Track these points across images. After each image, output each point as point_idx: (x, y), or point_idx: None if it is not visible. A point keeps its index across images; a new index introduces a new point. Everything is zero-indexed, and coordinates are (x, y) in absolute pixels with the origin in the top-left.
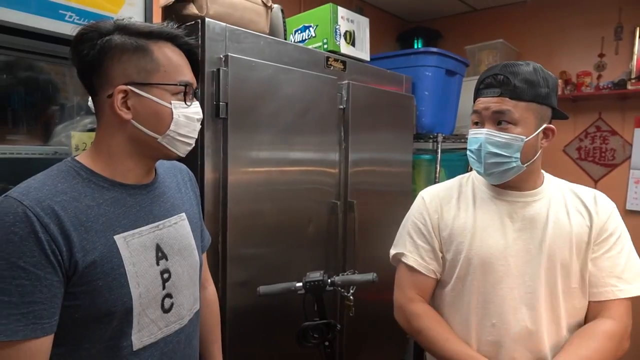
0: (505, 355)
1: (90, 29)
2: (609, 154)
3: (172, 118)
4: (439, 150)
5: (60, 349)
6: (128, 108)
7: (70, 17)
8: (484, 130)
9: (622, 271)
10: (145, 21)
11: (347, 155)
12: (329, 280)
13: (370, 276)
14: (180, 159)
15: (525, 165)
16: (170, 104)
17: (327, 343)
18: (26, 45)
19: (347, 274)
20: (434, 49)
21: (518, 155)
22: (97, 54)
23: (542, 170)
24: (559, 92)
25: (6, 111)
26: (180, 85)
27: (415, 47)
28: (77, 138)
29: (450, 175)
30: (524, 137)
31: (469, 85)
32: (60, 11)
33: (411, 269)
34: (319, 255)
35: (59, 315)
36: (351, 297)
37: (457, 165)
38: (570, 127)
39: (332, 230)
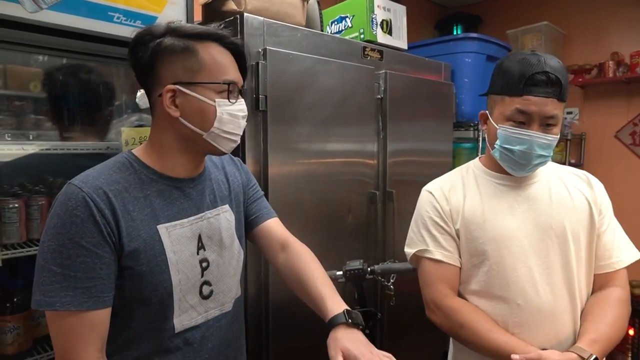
0: (531, 334)
1: (144, 32)
2: None
3: (216, 115)
4: (480, 139)
5: (116, 322)
6: (176, 106)
7: (118, 18)
8: (535, 134)
9: (620, 242)
10: (187, 19)
11: (386, 146)
12: (369, 269)
13: (409, 265)
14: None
15: None
16: (214, 101)
17: (367, 331)
18: (78, 47)
19: (387, 263)
20: (474, 35)
21: (552, 152)
22: (150, 56)
23: None
24: (611, 75)
25: (62, 110)
26: (223, 84)
27: (455, 33)
28: (126, 133)
29: None
30: (558, 135)
31: None
32: (109, 13)
33: (437, 262)
34: (358, 245)
35: None
36: (391, 286)
37: None
38: (623, 111)
39: (372, 220)
